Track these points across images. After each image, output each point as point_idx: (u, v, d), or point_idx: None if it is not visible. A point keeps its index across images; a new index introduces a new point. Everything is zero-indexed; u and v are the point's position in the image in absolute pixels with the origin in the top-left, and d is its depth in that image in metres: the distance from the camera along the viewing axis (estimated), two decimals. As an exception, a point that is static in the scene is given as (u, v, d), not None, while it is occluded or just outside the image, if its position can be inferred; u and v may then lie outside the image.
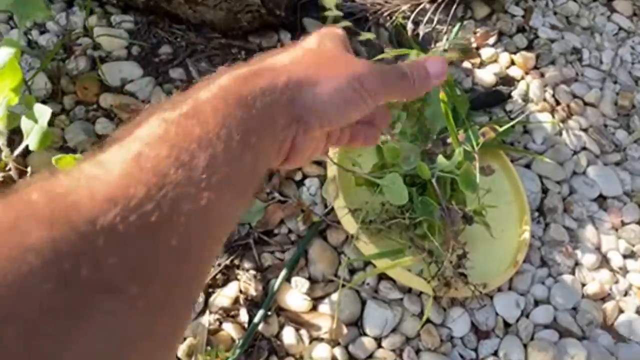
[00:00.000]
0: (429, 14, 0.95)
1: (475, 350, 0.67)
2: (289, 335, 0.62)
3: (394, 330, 0.65)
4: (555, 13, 1.03)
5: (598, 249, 0.77)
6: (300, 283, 0.65)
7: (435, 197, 0.64)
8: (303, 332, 0.63)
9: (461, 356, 0.65)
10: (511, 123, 0.78)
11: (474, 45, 0.94)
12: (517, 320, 0.69)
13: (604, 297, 0.73)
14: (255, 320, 0.62)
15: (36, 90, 0.73)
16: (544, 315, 0.70)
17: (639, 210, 0.81)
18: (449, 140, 0.69)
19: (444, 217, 0.63)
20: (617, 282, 0.75)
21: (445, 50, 0.91)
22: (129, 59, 0.80)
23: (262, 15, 0.82)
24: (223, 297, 0.63)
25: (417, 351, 0.64)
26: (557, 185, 0.81)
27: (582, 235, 0.78)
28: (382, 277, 0.67)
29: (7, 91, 0.56)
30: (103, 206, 0.20)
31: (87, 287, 0.18)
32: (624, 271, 0.76)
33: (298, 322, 0.63)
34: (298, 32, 0.88)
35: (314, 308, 0.65)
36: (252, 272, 0.65)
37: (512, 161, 0.79)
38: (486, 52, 0.94)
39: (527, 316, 0.70)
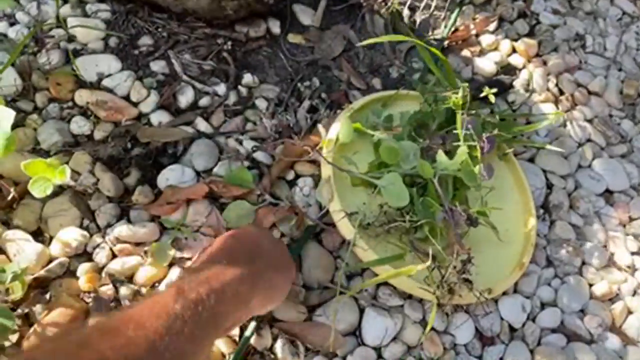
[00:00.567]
0: (426, 0, 0.90)
1: (480, 357, 0.63)
2: (283, 348, 0.59)
3: (394, 339, 0.62)
4: (556, -4, 0.98)
5: (605, 246, 0.74)
6: (294, 291, 0.61)
7: (437, 198, 0.60)
8: (298, 344, 0.59)
9: (465, 365, 0.62)
10: (518, 125, 0.73)
11: (474, 32, 0.89)
12: (523, 325, 0.66)
13: (612, 298, 0.70)
14: (247, 333, 0.58)
15: (5, 87, 0.68)
16: (551, 319, 0.67)
17: (647, 205, 0.78)
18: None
19: (447, 219, 0.59)
20: (625, 280, 0.71)
21: (443, 39, 0.86)
22: (105, 52, 0.75)
23: (250, 3, 0.76)
24: (212, 308, 0.59)
25: (420, 361, 0.61)
26: (562, 180, 0.77)
27: (589, 232, 0.74)
28: (381, 282, 0.63)
29: (-31, 90, 0.50)
30: None
31: None
32: (633, 269, 0.73)
33: (292, 334, 0.59)
34: (288, 20, 0.83)
35: (309, 317, 0.61)
36: (243, 280, 0.61)
37: (515, 155, 0.75)
38: (486, 39, 0.89)
39: (534, 320, 0.67)
